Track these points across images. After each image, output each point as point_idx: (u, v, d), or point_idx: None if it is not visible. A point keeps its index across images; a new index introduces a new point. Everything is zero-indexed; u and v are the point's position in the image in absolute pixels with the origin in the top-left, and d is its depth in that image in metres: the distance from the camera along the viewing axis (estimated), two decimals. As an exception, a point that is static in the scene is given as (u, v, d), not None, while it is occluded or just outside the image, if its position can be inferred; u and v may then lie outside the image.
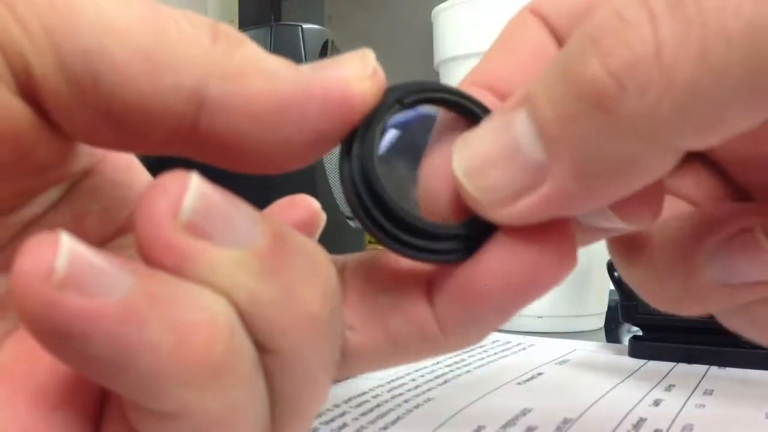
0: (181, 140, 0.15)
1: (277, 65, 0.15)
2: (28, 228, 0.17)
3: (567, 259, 0.15)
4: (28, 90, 0.14)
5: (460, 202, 0.16)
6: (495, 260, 0.16)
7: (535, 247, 0.15)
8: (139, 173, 0.19)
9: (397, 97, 0.16)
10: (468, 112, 0.17)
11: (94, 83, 0.14)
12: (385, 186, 0.15)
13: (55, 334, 0.12)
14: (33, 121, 0.15)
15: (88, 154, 0.17)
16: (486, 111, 0.16)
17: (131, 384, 0.13)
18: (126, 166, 0.18)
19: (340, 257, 0.18)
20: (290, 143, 0.15)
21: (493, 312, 0.16)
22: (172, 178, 0.13)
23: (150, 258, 0.13)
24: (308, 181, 0.52)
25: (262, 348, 0.14)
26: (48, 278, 0.12)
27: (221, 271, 0.13)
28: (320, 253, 0.15)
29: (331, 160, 0.55)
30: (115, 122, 0.14)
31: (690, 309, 0.18)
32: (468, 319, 0.16)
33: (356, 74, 0.15)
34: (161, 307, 0.13)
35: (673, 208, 0.19)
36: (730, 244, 0.16)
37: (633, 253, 0.18)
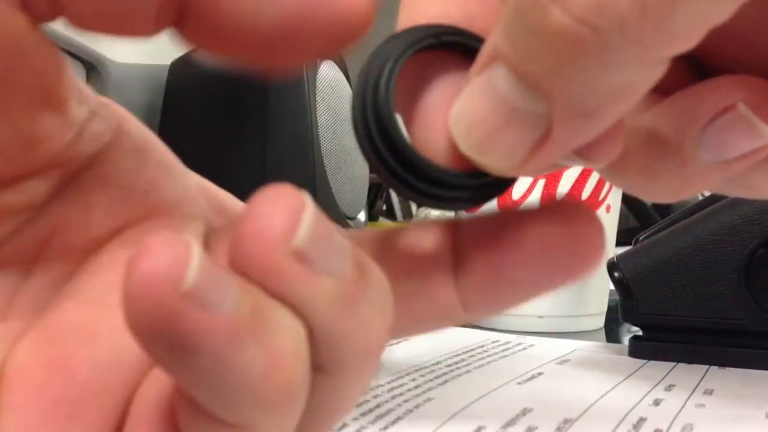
0: (172, 5, 0.14)
1: None
2: (34, 218, 0.16)
3: (598, 251, 0.16)
4: None
5: (457, 151, 0.16)
6: (531, 249, 0.16)
7: (569, 239, 0.16)
8: (155, 154, 0.18)
9: (425, 35, 0.15)
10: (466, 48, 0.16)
11: None
12: (397, 129, 0.15)
13: (166, 342, 0.12)
14: (25, 25, 0.14)
15: (93, 139, 0.17)
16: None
17: (215, 395, 0.13)
18: (136, 149, 0.17)
19: (354, 233, 0.18)
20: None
21: (522, 297, 0.17)
22: (288, 196, 0.13)
23: (251, 275, 0.13)
24: (308, 180, 0.52)
25: (318, 368, 0.14)
26: (177, 285, 0.11)
27: (312, 299, 0.13)
28: (388, 287, 0.15)
29: (331, 160, 0.55)
30: None
31: (688, 194, 0.18)
32: (496, 301, 0.17)
33: None
34: (260, 329, 0.13)
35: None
36: (716, 125, 0.16)
37: (617, 165, 0.18)
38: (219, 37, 0.15)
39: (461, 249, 0.17)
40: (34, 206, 0.16)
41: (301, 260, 0.13)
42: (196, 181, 0.19)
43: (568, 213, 0.16)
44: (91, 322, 0.16)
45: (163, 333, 0.12)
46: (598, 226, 0.16)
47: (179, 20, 0.15)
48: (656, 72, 0.13)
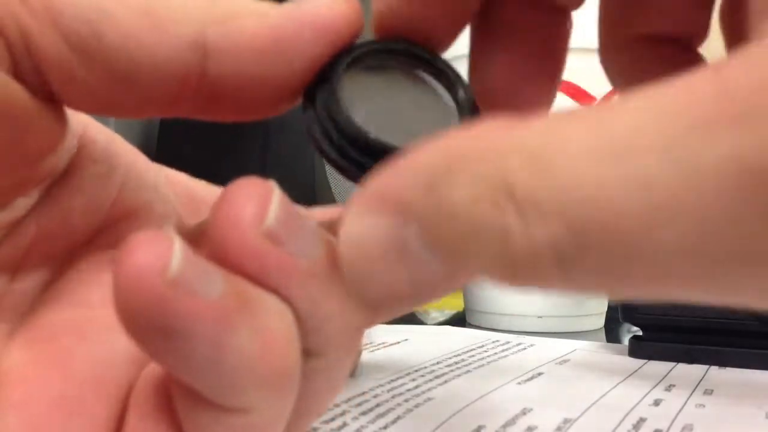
0: (191, 93, 0.15)
1: (263, 5, 0.16)
2: (15, 230, 0.17)
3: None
4: (27, 64, 0.14)
5: (412, 23, 0.16)
6: None
7: None
8: (123, 157, 0.18)
9: (352, 58, 0.16)
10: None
11: (98, 44, 0.14)
12: (346, 112, 0.16)
13: (159, 329, 0.12)
14: (25, 99, 0.15)
15: (69, 150, 0.17)
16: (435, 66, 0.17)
17: (211, 380, 0.13)
18: (104, 154, 0.18)
19: (317, 212, 0.19)
20: (290, 74, 0.15)
21: None
22: (255, 185, 0.14)
23: (231, 262, 0.13)
24: (308, 181, 0.52)
25: (306, 352, 0.15)
26: (162, 274, 0.12)
27: (291, 280, 0.14)
28: None
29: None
30: (122, 82, 0.15)
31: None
32: None
33: (333, 1, 0.16)
34: (248, 311, 0.13)
35: None
36: None
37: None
38: (232, 105, 0.16)
39: None
40: (18, 219, 0.17)
41: (276, 242, 0.13)
42: (164, 175, 0.19)
43: None
44: (81, 321, 0.16)
45: (155, 322, 0.12)
46: None
47: (193, 105, 0.16)
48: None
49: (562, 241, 0.11)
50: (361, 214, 0.13)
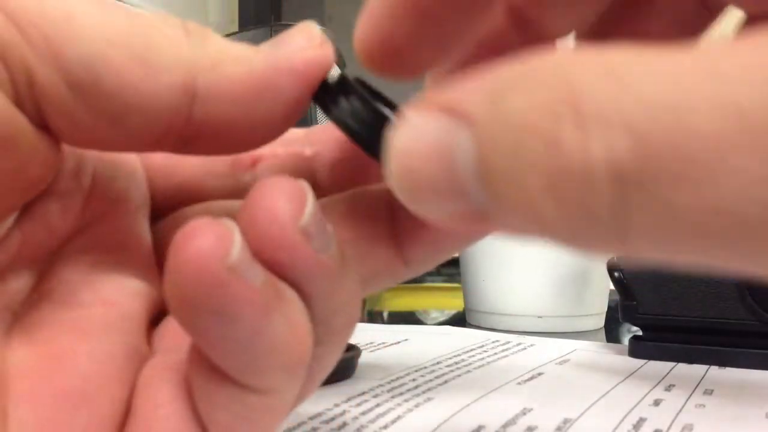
0: (176, 134, 0.16)
1: (245, 50, 0.16)
2: (4, 241, 0.17)
3: None
4: (27, 98, 0.15)
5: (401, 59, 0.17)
6: None
7: None
8: (79, 157, 0.19)
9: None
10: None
11: (96, 87, 0.15)
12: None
13: (212, 310, 0.13)
14: (29, 130, 0.15)
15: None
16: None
17: (244, 360, 0.14)
18: (69, 149, 0.18)
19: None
20: (270, 117, 0.17)
21: (460, 245, 0.18)
22: (291, 183, 0.15)
23: (265, 254, 0.14)
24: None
25: (314, 341, 0.16)
26: (223, 260, 0.13)
27: (313, 274, 0.15)
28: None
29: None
30: (114, 123, 0.15)
31: None
32: (434, 254, 0.19)
33: (309, 45, 0.17)
34: (281, 301, 0.14)
35: None
36: None
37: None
38: (212, 145, 0.17)
39: (396, 210, 0.18)
40: (7, 232, 0.17)
41: (307, 238, 0.15)
42: (134, 158, 0.20)
43: None
44: (78, 320, 0.17)
45: (210, 304, 0.13)
46: None
47: (176, 143, 0.16)
48: None
49: (623, 158, 0.10)
50: (412, 116, 0.12)
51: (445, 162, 0.12)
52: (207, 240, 0.13)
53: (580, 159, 0.10)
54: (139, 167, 0.20)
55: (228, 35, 0.46)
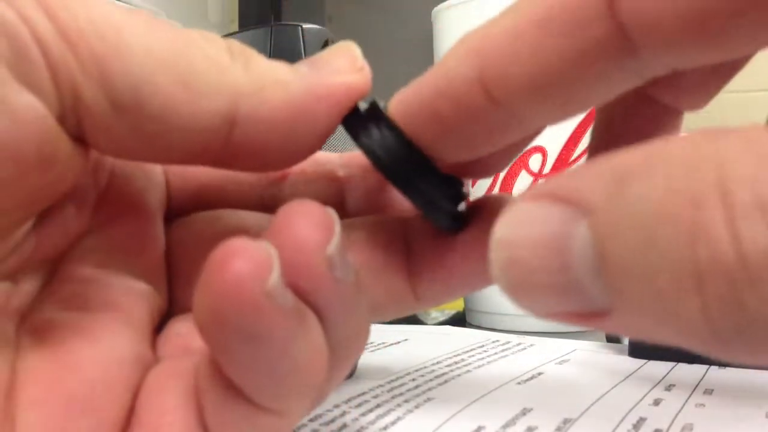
0: (212, 154, 0.16)
1: (285, 73, 0.16)
2: (22, 242, 0.17)
3: None
4: (71, 113, 0.15)
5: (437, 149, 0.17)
6: (480, 247, 0.17)
7: None
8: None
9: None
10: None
11: (138, 109, 0.15)
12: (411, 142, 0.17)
13: (244, 333, 0.13)
14: (69, 146, 0.15)
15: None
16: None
17: (265, 381, 0.15)
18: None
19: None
20: (304, 142, 0.17)
21: (472, 287, 0.18)
22: (319, 211, 0.15)
23: (292, 279, 0.14)
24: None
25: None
26: (262, 284, 0.13)
27: (333, 301, 0.15)
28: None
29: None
30: (152, 141, 0.16)
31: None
32: (446, 291, 0.19)
33: (349, 69, 0.17)
34: (305, 325, 0.15)
35: None
36: None
37: None
38: (245, 165, 0.17)
39: (412, 242, 0.19)
40: (26, 233, 0.17)
41: (331, 266, 0.15)
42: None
43: (500, 206, 0.17)
44: (87, 325, 0.17)
45: (244, 326, 0.13)
46: None
47: (212, 161, 0.17)
48: None
49: None
50: (521, 204, 0.11)
51: (558, 254, 0.10)
52: (246, 264, 0.13)
53: (736, 251, 0.09)
54: (159, 168, 0.20)
55: (228, 35, 0.46)
